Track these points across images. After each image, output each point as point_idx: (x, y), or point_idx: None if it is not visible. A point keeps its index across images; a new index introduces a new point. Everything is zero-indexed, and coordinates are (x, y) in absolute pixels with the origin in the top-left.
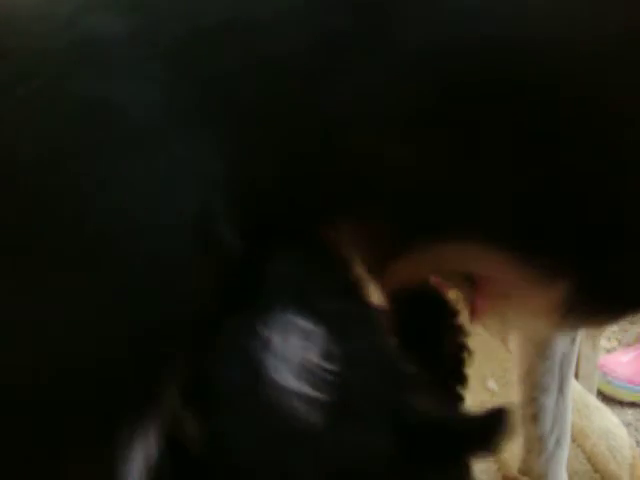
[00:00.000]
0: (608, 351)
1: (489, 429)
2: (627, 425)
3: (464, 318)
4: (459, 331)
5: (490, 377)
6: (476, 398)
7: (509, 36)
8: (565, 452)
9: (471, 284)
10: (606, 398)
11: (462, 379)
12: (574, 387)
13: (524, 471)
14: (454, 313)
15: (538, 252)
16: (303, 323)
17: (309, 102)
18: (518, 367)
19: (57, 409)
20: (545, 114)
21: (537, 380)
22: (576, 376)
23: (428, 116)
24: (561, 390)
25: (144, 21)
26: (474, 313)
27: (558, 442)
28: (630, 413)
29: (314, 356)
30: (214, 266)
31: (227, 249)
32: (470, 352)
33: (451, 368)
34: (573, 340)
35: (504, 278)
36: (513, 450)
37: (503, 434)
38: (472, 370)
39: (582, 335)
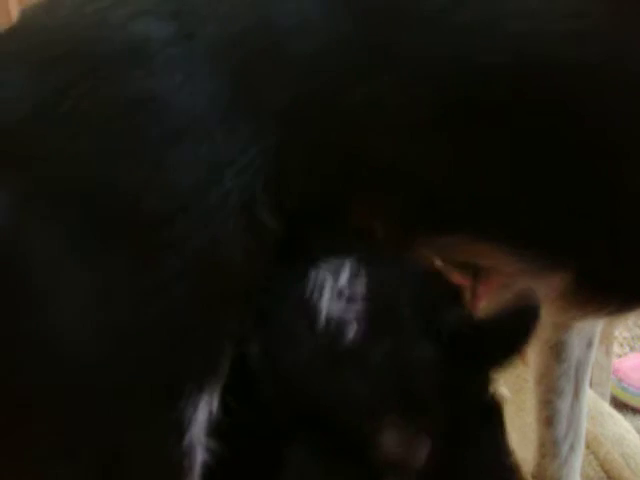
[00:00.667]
0: (620, 357)
1: (521, 326)
2: None
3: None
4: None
5: (502, 384)
6: None
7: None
8: (579, 458)
9: (475, 272)
10: (618, 405)
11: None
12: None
13: (537, 476)
14: (458, 293)
15: (535, 248)
16: (347, 265)
17: (332, 103)
18: (534, 369)
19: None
20: (536, 123)
21: (552, 383)
22: (589, 383)
23: (431, 124)
24: (576, 395)
25: (184, 26)
26: (476, 300)
27: (572, 447)
28: None
29: (354, 287)
30: (258, 240)
31: (267, 225)
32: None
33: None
34: (589, 344)
35: (504, 270)
36: (526, 456)
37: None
38: None
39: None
